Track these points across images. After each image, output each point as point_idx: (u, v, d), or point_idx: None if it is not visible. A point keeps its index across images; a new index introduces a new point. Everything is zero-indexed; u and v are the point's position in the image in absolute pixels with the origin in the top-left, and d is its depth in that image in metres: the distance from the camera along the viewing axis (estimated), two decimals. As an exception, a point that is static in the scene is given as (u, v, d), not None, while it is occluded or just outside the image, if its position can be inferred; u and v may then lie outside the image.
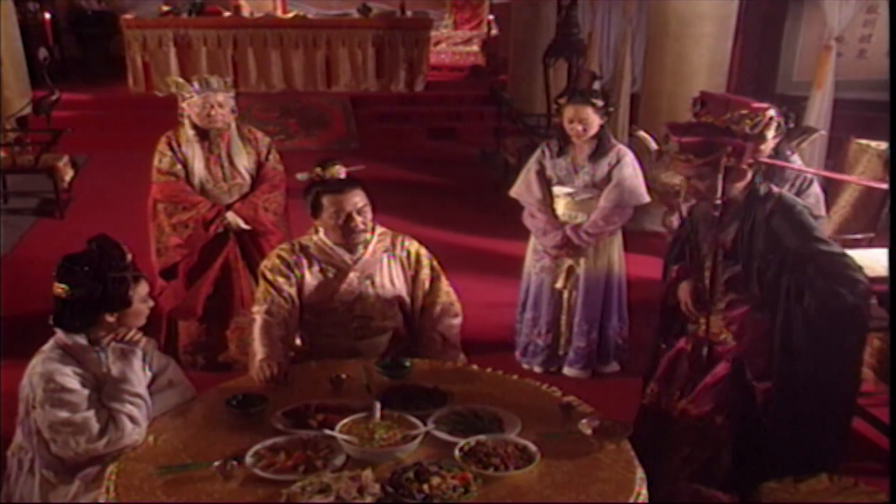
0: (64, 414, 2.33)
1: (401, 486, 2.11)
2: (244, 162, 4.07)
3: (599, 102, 4.00)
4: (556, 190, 4.16)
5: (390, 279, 3.12)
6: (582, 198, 4.11)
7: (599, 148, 4.05)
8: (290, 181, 3.89)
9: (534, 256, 4.29)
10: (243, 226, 4.05)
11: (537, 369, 4.30)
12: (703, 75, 6.08)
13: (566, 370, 4.32)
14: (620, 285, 4.29)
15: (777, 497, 2.49)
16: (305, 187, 3.07)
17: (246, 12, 10.94)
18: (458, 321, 3.18)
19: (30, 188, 7.16)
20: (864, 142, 5.18)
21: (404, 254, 3.15)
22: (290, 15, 11.14)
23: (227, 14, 10.70)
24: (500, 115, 9.11)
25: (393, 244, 3.15)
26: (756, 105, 2.98)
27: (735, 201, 2.73)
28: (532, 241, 4.31)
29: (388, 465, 2.23)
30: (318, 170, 3.04)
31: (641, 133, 6.00)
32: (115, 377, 2.44)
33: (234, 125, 4.05)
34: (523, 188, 4.22)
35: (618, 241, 4.25)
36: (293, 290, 3.02)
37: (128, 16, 10.43)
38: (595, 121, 3.98)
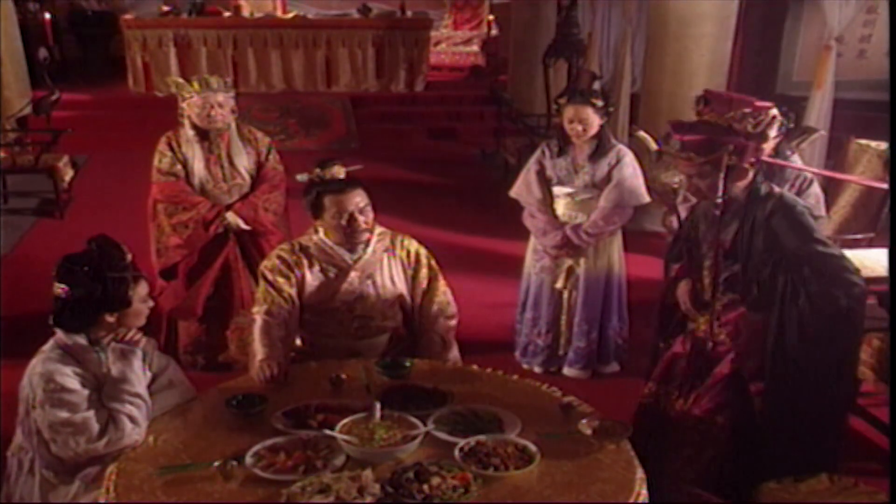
0: (64, 414, 2.33)
1: (401, 487, 2.11)
2: (244, 162, 4.07)
3: (599, 102, 4.00)
4: (556, 190, 4.16)
5: (391, 278, 3.12)
6: (582, 198, 4.11)
7: (599, 148, 4.05)
8: (290, 181, 3.89)
9: (534, 256, 4.29)
10: (243, 226, 4.05)
11: (537, 369, 4.30)
12: (703, 75, 6.08)
13: (566, 370, 4.32)
14: (620, 285, 4.29)
15: (777, 497, 2.49)
16: (305, 188, 3.07)
17: (246, 12, 10.93)
18: (454, 322, 3.18)
19: (30, 188, 7.17)
20: (864, 142, 5.18)
21: (404, 253, 3.16)
22: (290, 15, 11.13)
23: (227, 14, 10.69)
24: (500, 115, 9.12)
25: (393, 244, 3.16)
26: (759, 104, 2.98)
27: (736, 200, 2.73)
28: (532, 241, 4.31)
29: (388, 465, 2.23)
30: (318, 170, 3.04)
31: (641, 133, 5.98)
32: (115, 377, 2.44)
33: (234, 125, 4.05)
34: (523, 188, 4.22)
35: (618, 241, 4.25)
36: (293, 291, 3.02)
37: (128, 16, 10.43)
38: (595, 121, 3.99)
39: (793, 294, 2.61)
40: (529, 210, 4.21)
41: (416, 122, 10.18)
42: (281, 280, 3.01)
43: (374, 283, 3.09)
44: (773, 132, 3.43)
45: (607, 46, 10.07)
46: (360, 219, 3.01)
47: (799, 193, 3.43)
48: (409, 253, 3.17)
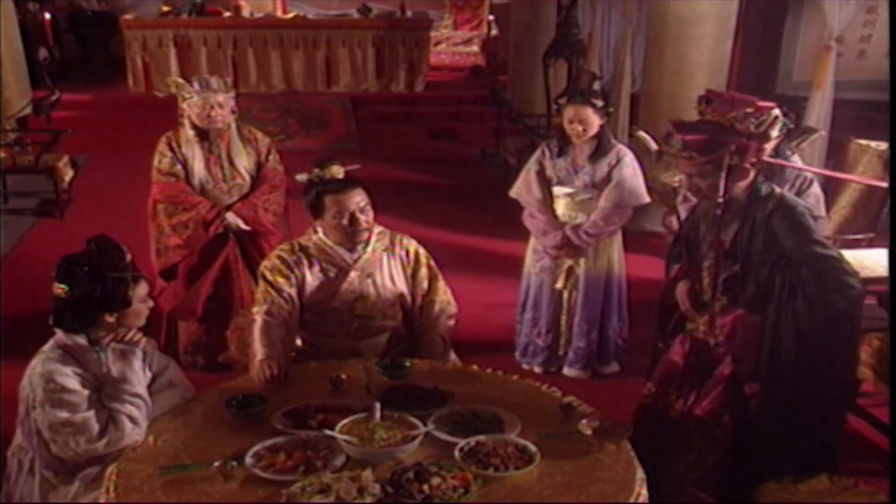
0: (64, 414, 2.34)
1: (401, 487, 2.11)
2: (244, 162, 4.07)
3: (599, 103, 4.00)
4: (556, 190, 4.16)
5: (390, 278, 3.12)
6: (582, 198, 4.11)
7: (599, 148, 4.05)
8: (290, 182, 3.89)
9: (534, 257, 4.29)
10: (243, 226, 4.05)
11: (537, 369, 4.30)
12: (703, 75, 6.07)
13: (566, 370, 4.32)
14: (620, 285, 4.29)
15: (777, 497, 2.50)
16: (305, 188, 3.07)
17: (246, 12, 10.92)
18: (453, 322, 3.18)
19: (30, 188, 7.16)
20: (864, 142, 5.19)
21: (403, 252, 3.16)
22: (290, 15, 11.12)
23: (227, 14, 10.68)
24: (500, 115, 9.12)
25: (392, 243, 3.16)
26: (761, 104, 2.98)
27: (737, 200, 2.73)
28: (532, 241, 4.31)
29: (388, 465, 2.24)
30: (317, 170, 3.04)
31: (641, 133, 5.99)
32: (115, 377, 2.44)
33: (234, 126, 4.05)
34: (523, 188, 4.22)
35: (618, 241, 4.25)
36: (293, 291, 3.02)
37: (128, 16, 10.42)
38: (595, 121, 3.99)
39: (790, 295, 2.61)
40: (529, 210, 4.21)
41: (416, 122, 10.17)
42: (281, 280, 3.01)
43: (373, 282, 3.09)
44: (774, 132, 3.43)
45: (607, 46, 10.07)
46: (362, 218, 3.01)
47: (799, 193, 3.43)
48: (408, 252, 3.17)
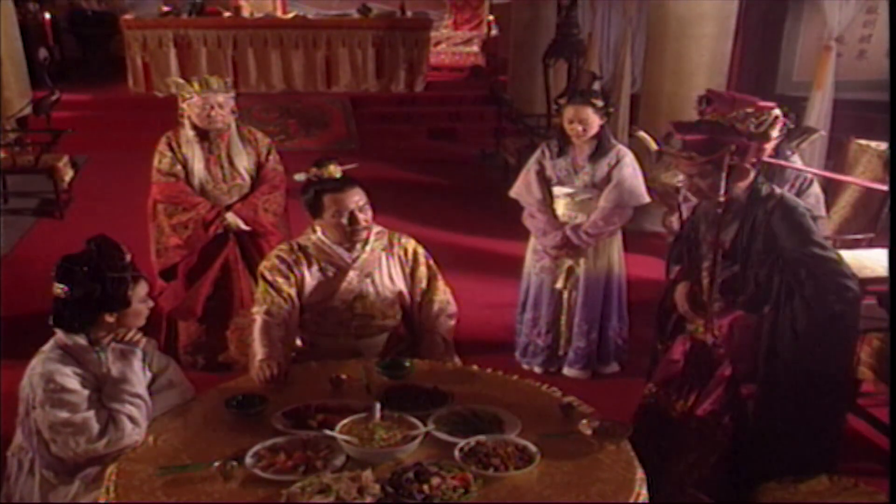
0: (64, 414, 2.34)
1: (401, 487, 2.11)
2: (244, 163, 4.07)
3: (599, 103, 4.00)
4: (556, 190, 4.16)
5: (389, 277, 3.12)
6: (582, 198, 4.11)
7: (599, 148, 4.05)
8: (289, 182, 3.89)
9: (534, 257, 4.29)
10: (243, 227, 4.05)
11: (537, 370, 4.30)
12: (703, 75, 6.07)
13: (566, 370, 4.32)
14: (620, 286, 4.29)
15: (777, 497, 2.49)
16: (303, 187, 3.07)
17: (246, 13, 10.93)
18: (454, 322, 3.18)
19: (30, 188, 7.16)
20: (864, 142, 5.19)
21: (402, 251, 3.17)
22: (290, 15, 11.13)
23: (227, 14, 10.68)
24: (500, 115, 9.12)
25: (391, 242, 3.16)
26: (762, 104, 2.98)
27: (737, 201, 2.73)
28: (532, 241, 4.31)
29: (388, 465, 2.23)
30: (315, 169, 3.05)
31: (641, 133, 5.99)
32: (114, 377, 2.44)
33: (234, 126, 4.05)
34: (523, 188, 4.22)
35: (618, 241, 4.25)
36: (293, 291, 3.02)
37: (128, 16, 10.43)
38: (595, 121, 3.99)
39: (787, 296, 2.61)
40: (529, 210, 4.21)
41: (416, 122, 10.18)
42: (280, 280, 3.01)
43: (373, 281, 3.09)
44: (775, 132, 3.43)
45: (607, 46, 10.07)
46: (361, 217, 3.01)
47: (799, 194, 3.43)
48: (406, 251, 3.17)
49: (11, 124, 8.11)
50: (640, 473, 2.25)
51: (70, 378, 2.37)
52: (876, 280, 3.77)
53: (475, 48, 12.57)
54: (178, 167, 3.99)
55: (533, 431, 2.41)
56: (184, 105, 3.96)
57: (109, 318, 2.46)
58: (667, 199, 5.74)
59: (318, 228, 3.10)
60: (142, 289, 2.52)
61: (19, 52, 8.94)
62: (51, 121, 7.88)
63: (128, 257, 2.49)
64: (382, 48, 10.56)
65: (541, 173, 4.17)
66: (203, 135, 3.98)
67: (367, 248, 3.09)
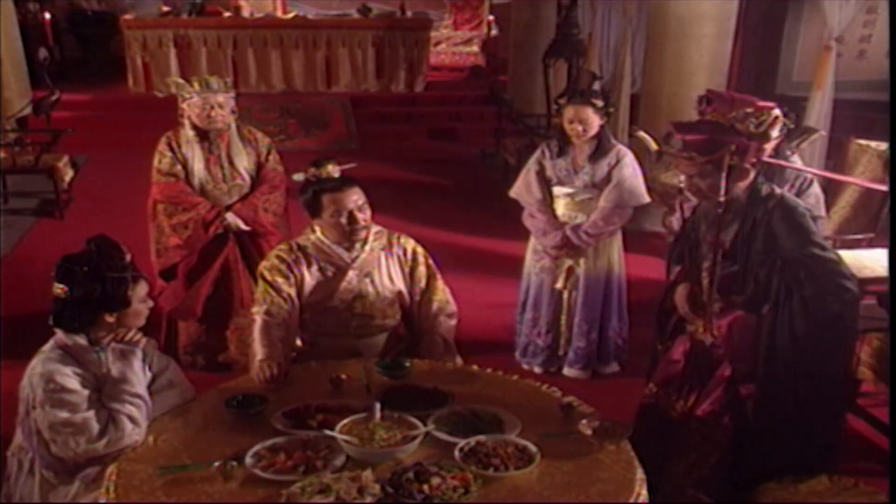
0: (64, 414, 2.33)
1: (401, 487, 2.11)
2: (244, 163, 4.07)
3: (599, 103, 4.00)
4: (556, 190, 4.16)
5: (389, 276, 3.13)
6: (582, 198, 4.11)
7: (599, 148, 4.05)
8: (289, 182, 3.88)
9: (534, 257, 4.29)
10: (243, 227, 4.05)
11: (537, 370, 4.30)
12: (703, 75, 6.08)
13: (566, 370, 4.32)
14: (620, 286, 4.29)
15: (777, 497, 2.50)
16: (301, 187, 3.08)
17: (246, 13, 10.93)
18: (454, 322, 3.18)
19: (30, 188, 7.16)
20: (864, 142, 5.19)
21: (401, 251, 3.17)
22: (290, 15, 11.13)
23: (227, 14, 10.68)
24: (500, 115, 9.12)
25: (389, 242, 3.16)
26: (761, 104, 2.98)
27: (737, 201, 2.73)
28: (532, 241, 4.31)
29: (388, 465, 2.23)
30: (313, 169, 3.05)
31: (641, 133, 5.98)
32: (114, 378, 2.44)
33: (234, 126, 4.05)
34: (523, 188, 4.22)
35: (618, 241, 4.25)
36: (292, 291, 3.02)
37: (128, 16, 10.43)
38: (595, 121, 3.99)
39: (786, 296, 2.61)
40: (529, 210, 4.21)
41: (416, 122, 10.18)
42: (280, 280, 3.01)
43: (372, 281, 3.09)
44: (775, 132, 3.43)
45: (607, 46, 10.07)
46: (360, 216, 3.01)
47: (798, 194, 3.43)
48: (405, 251, 3.17)
49: (11, 124, 8.12)
50: (640, 473, 2.25)
51: (70, 378, 2.37)
52: (876, 280, 3.77)
53: (475, 48, 12.57)
54: (178, 167, 3.99)
55: (533, 431, 2.41)
56: (184, 105, 3.96)
57: (109, 318, 2.46)
58: (667, 199, 5.74)
59: (317, 228, 3.10)
60: (142, 289, 2.52)
61: (19, 52, 8.94)
62: (51, 121, 7.88)
63: (128, 257, 2.49)
64: (382, 48, 10.56)
65: (541, 173, 4.17)
66: (203, 135, 3.98)
67: (367, 247, 3.09)
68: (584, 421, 2.42)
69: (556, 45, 7.56)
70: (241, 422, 2.48)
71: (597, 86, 7.03)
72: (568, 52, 7.44)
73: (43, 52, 8.57)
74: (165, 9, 10.72)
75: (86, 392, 2.38)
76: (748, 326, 2.72)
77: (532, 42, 9.05)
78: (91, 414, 2.35)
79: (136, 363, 2.49)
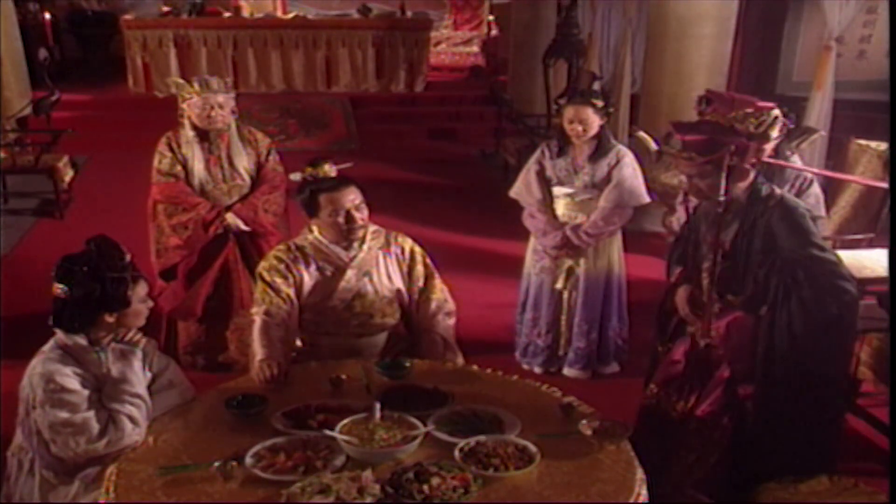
0: (64, 414, 2.33)
1: (401, 487, 2.11)
2: (244, 163, 4.07)
3: (599, 103, 4.00)
4: (556, 190, 4.16)
5: (387, 275, 3.13)
6: (582, 198, 4.11)
7: (599, 148, 4.05)
8: (289, 182, 3.88)
9: (534, 257, 4.29)
10: (243, 227, 4.05)
11: (537, 370, 4.30)
12: (703, 75, 6.08)
13: (566, 371, 4.32)
14: (620, 286, 4.29)
15: (777, 497, 2.50)
16: (299, 187, 3.09)
17: (246, 13, 10.93)
18: (453, 321, 3.18)
19: (30, 188, 7.16)
20: (863, 142, 5.19)
21: (398, 250, 3.17)
22: (290, 15, 11.13)
23: (227, 14, 10.68)
24: (500, 115, 9.12)
25: (387, 241, 3.17)
26: (761, 104, 2.98)
27: (737, 201, 2.73)
28: (532, 241, 4.31)
29: (388, 465, 2.24)
30: (310, 169, 3.06)
31: (641, 133, 5.99)
32: (114, 378, 2.44)
33: (234, 126, 4.04)
34: (523, 188, 4.22)
35: (618, 241, 4.25)
36: (291, 291, 3.02)
37: (128, 16, 10.43)
38: (595, 121, 3.99)
39: (785, 297, 2.61)
40: (529, 210, 4.21)
41: (416, 122, 10.18)
42: (279, 280, 3.01)
43: (371, 280, 3.10)
44: (774, 133, 3.43)
45: (607, 46, 10.07)
46: (357, 216, 3.02)
47: (798, 194, 3.43)
48: (403, 250, 3.18)
49: (11, 124, 8.11)
50: (640, 474, 2.25)
51: (70, 378, 2.37)
52: (876, 280, 3.76)
53: (475, 48, 12.58)
54: (178, 167, 3.99)
55: (533, 431, 2.41)
56: (184, 105, 3.96)
57: (109, 318, 2.46)
58: (667, 199, 5.75)
59: (314, 228, 3.11)
60: (142, 289, 2.52)
61: (19, 52, 8.94)
62: (51, 121, 7.88)
63: (127, 257, 2.49)
64: (382, 48, 10.56)
65: (541, 173, 4.17)
66: (203, 135, 3.98)
67: (364, 246, 3.10)
68: (584, 421, 2.42)
69: (556, 45, 7.56)
70: (241, 422, 2.48)
71: (597, 86, 7.03)
72: (568, 52, 7.44)
73: (43, 52, 8.57)
74: (165, 9, 10.72)
75: (86, 392, 2.38)
76: (747, 327, 2.71)
77: (532, 42, 9.06)
78: (91, 414, 2.35)
79: (136, 363, 2.49)
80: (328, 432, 2.34)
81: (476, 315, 4.57)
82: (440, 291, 3.19)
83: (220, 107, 3.92)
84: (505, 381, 2.81)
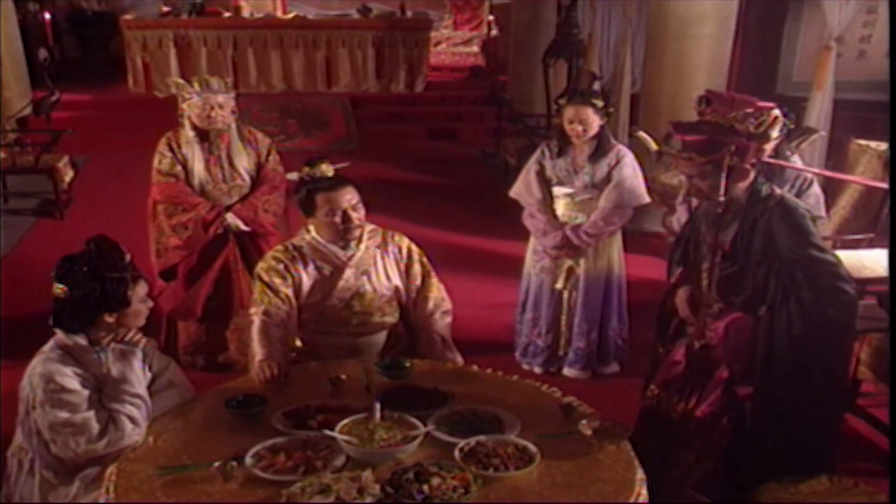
0: (64, 414, 2.33)
1: (401, 487, 2.11)
2: (244, 163, 4.07)
3: (599, 103, 4.00)
4: (556, 190, 4.16)
5: (385, 274, 3.13)
6: (582, 198, 4.11)
7: (599, 148, 4.05)
8: (290, 182, 3.89)
9: (534, 257, 4.29)
10: (243, 227, 4.05)
11: (537, 370, 4.30)
12: (703, 75, 6.07)
13: (566, 371, 4.32)
14: (620, 286, 4.29)
15: (777, 497, 2.50)
16: (296, 187, 3.09)
17: (246, 13, 10.93)
18: (450, 319, 3.19)
19: (30, 189, 7.16)
20: (863, 142, 5.19)
21: (396, 249, 3.18)
22: (290, 15, 11.13)
23: (227, 14, 10.68)
24: (500, 115, 9.12)
25: (384, 240, 3.17)
26: (761, 104, 2.98)
27: (737, 201, 2.73)
28: (532, 241, 4.31)
29: (388, 465, 2.24)
30: (307, 169, 3.06)
31: (641, 133, 5.99)
32: (114, 378, 2.44)
33: (234, 126, 4.05)
34: (523, 189, 4.22)
35: (618, 241, 4.25)
36: (290, 291, 3.02)
37: (128, 16, 10.43)
38: (595, 121, 3.99)
39: (783, 298, 2.61)
40: (529, 210, 4.21)
41: (416, 122, 10.17)
42: (277, 280, 3.01)
43: (369, 279, 3.10)
44: (774, 133, 3.43)
45: (607, 46, 10.07)
46: (354, 215, 3.02)
47: (798, 194, 3.43)
48: (400, 249, 3.18)
49: (11, 124, 8.12)
50: (640, 474, 2.25)
51: (70, 378, 2.37)
52: (876, 280, 3.76)
53: (475, 48, 12.58)
54: (178, 168, 3.99)
55: (533, 431, 2.41)
56: (184, 105, 3.96)
57: (109, 319, 2.46)
58: (667, 199, 5.75)
59: (311, 228, 3.11)
60: (142, 289, 2.52)
61: (19, 52, 8.94)
62: (51, 121, 7.88)
63: (127, 257, 2.49)
64: (382, 48, 10.56)
65: (541, 173, 4.17)
66: (203, 135, 3.98)
67: (362, 246, 3.10)
68: (584, 421, 2.42)
69: (556, 45, 7.56)
70: (241, 422, 2.48)
71: (597, 86, 7.03)
72: (568, 52, 7.44)
73: (43, 53, 8.58)
74: (165, 9, 10.72)
75: (86, 392, 2.38)
76: (746, 328, 2.71)
77: (532, 42, 9.05)
78: (91, 414, 2.35)
79: (136, 363, 2.49)
80: (328, 432, 2.34)
81: (476, 315, 4.57)
82: (437, 290, 3.20)
83: (220, 107, 3.92)
84: (505, 381, 2.81)
